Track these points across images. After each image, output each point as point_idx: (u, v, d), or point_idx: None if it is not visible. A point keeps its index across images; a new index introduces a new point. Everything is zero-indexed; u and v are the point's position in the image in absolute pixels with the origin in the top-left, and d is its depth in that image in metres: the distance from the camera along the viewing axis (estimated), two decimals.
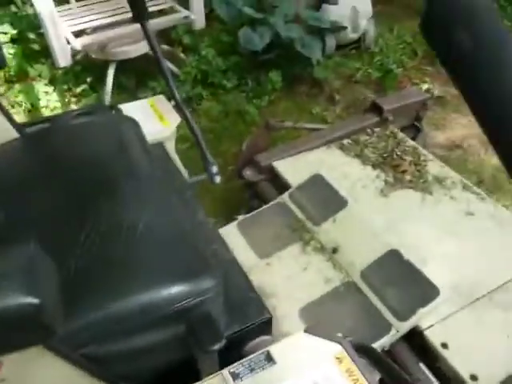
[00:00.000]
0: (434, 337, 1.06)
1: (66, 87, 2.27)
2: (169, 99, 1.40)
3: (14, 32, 2.27)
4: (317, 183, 1.42)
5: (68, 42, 1.88)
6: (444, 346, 1.06)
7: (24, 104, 2.18)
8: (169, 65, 2.32)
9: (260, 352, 0.68)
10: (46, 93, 2.23)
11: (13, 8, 2.43)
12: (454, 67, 0.31)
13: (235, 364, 0.66)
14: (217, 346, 0.62)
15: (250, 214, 1.42)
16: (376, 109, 1.73)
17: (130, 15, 2.09)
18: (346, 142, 1.67)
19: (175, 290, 0.60)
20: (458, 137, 2.26)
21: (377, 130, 1.72)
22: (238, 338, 0.69)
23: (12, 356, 0.48)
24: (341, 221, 1.31)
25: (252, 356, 0.67)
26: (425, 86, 2.53)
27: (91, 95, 2.25)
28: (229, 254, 0.82)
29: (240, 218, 1.42)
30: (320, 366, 0.66)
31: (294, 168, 1.54)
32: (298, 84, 2.41)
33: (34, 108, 2.18)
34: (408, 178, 1.53)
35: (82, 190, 0.75)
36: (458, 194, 1.47)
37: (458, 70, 0.31)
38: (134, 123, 0.96)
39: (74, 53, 1.96)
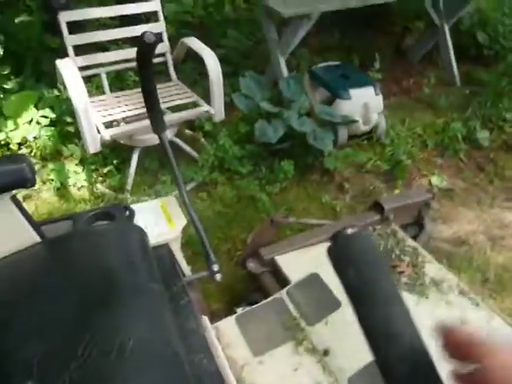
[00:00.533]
0: None
1: (93, 167, 2.46)
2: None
3: (54, 116, 2.52)
4: (313, 282, 1.49)
5: (98, 132, 2.08)
6: None
7: (54, 182, 2.37)
8: (189, 149, 2.51)
9: None
10: (76, 172, 2.42)
11: (55, 92, 2.71)
12: (347, 292, 0.40)
13: None
14: None
15: (249, 308, 1.48)
16: (378, 207, 1.82)
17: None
18: None
19: None
20: (465, 232, 2.31)
21: (378, 227, 1.80)
22: None
23: None
24: (333, 322, 1.36)
25: None
26: (433, 178, 2.62)
27: (116, 176, 2.43)
28: (213, 364, 0.89)
29: (239, 311, 1.49)
30: None
31: (294, 263, 1.62)
32: (310, 173, 2.54)
33: (62, 186, 2.36)
34: (405, 280, 1.58)
35: (85, 302, 0.85)
36: (454, 298, 1.50)
37: (348, 296, 0.40)
38: (141, 232, 1.08)
39: (105, 141, 2.15)
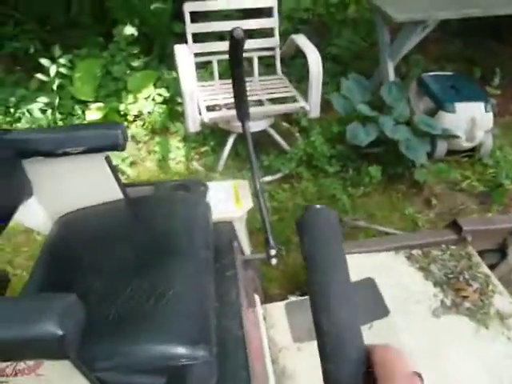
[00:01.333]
0: None
1: (193, 145, 2.69)
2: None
3: (168, 95, 2.79)
4: (367, 286, 1.50)
5: (200, 113, 2.27)
6: None
7: (158, 154, 2.64)
8: (281, 141, 2.61)
9: None
10: (177, 147, 2.67)
11: (173, 73, 2.99)
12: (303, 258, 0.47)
13: None
14: None
15: (300, 299, 1.55)
16: (455, 226, 1.74)
17: (256, 98, 2.44)
18: (415, 252, 1.71)
19: (172, 350, 0.79)
20: None
21: (453, 247, 1.73)
22: None
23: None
24: (377, 328, 1.37)
25: None
26: None
27: (211, 156, 2.63)
28: (240, 332, 0.99)
29: (291, 298, 1.57)
30: None
31: (354, 265, 1.64)
32: (397, 182, 2.49)
33: (163, 158, 2.62)
34: (467, 305, 1.52)
35: (143, 253, 1.00)
36: None
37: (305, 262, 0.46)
38: (207, 207, 1.21)
39: (204, 122, 2.34)
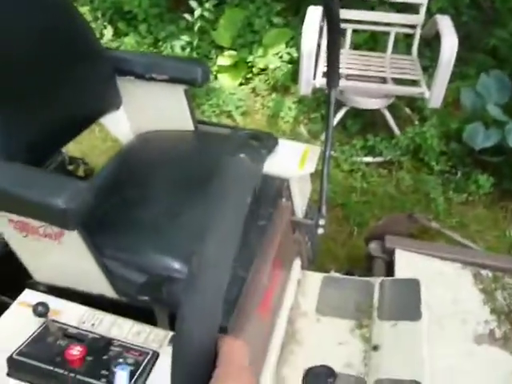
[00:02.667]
0: None
1: (305, 109, 2.72)
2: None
3: (295, 56, 2.83)
4: (410, 286, 1.42)
5: (314, 78, 2.28)
6: None
7: (270, 110, 2.74)
8: (393, 124, 2.49)
9: None
10: (289, 108, 2.72)
11: None
12: None
13: None
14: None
15: (340, 276, 1.54)
16: None
17: (381, 75, 2.35)
18: (485, 272, 1.55)
19: (171, 262, 0.90)
20: None
21: None
22: None
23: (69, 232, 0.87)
24: (401, 329, 1.31)
25: None
26: None
27: (318, 124, 2.64)
28: (245, 274, 1.05)
29: (332, 274, 1.56)
30: None
31: (411, 264, 1.55)
32: (509, 198, 2.22)
33: (274, 115, 2.71)
34: None
35: (187, 180, 1.12)
36: None
37: None
38: (263, 159, 1.26)
39: (316, 88, 2.35)
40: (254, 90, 2.86)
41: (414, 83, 2.38)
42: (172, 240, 0.95)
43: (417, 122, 2.61)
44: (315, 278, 1.53)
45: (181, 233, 0.97)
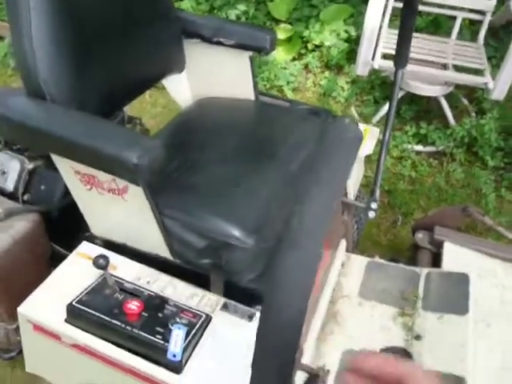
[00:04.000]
0: None
1: (358, 91, 2.64)
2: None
3: (353, 34, 2.74)
4: (458, 280, 1.38)
5: (373, 58, 2.20)
6: None
7: (322, 88, 2.68)
8: (449, 113, 2.39)
9: (249, 309, 0.92)
10: (342, 88, 2.65)
11: None
12: None
13: (232, 301, 0.93)
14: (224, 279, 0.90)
15: (384, 262, 1.51)
16: None
17: (443, 61, 2.25)
18: None
19: (228, 227, 0.90)
20: None
21: None
22: (247, 292, 0.94)
23: (134, 187, 0.87)
24: (446, 322, 1.28)
25: (243, 307, 0.92)
26: None
27: (370, 107, 2.56)
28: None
29: (376, 258, 1.54)
30: None
31: (458, 258, 1.51)
32: None
33: (325, 94, 2.65)
34: None
35: (247, 150, 1.11)
36: None
37: None
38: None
39: (374, 69, 2.27)
40: (306, 66, 2.80)
41: (476, 72, 2.27)
42: (234, 207, 0.94)
43: (473, 114, 2.50)
44: (360, 262, 1.51)
45: (243, 201, 0.96)
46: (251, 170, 1.03)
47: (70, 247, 1.23)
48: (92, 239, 1.07)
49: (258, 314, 0.91)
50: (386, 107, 2.43)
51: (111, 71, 1.06)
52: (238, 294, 0.95)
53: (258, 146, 1.12)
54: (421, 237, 1.64)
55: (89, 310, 0.85)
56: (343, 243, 1.51)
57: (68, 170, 0.94)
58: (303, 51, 2.83)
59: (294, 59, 2.82)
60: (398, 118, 2.52)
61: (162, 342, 0.81)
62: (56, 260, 1.21)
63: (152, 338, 0.81)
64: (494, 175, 2.20)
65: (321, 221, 0.43)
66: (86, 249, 1.02)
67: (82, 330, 0.86)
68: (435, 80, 2.29)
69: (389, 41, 2.36)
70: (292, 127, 1.23)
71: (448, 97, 2.41)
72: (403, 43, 1.38)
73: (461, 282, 1.38)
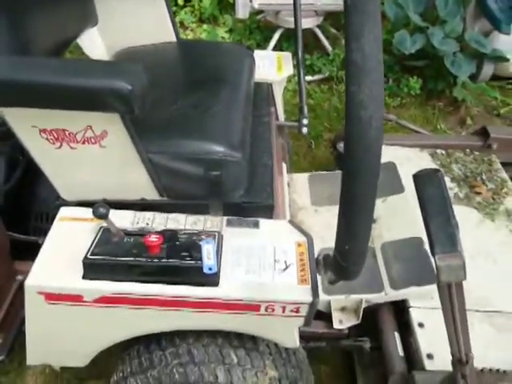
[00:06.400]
0: (416, 316, 1.21)
1: (238, 38, 2.73)
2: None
3: None
4: (387, 168, 1.60)
5: (251, 0, 2.29)
6: (420, 325, 1.20)
7: None
8: (325, 42, 2.61)
9: (252, 219, 0.98)
10: (223, 38, 2.71)
11: None
12: None
13: (233, 217, 0.97)
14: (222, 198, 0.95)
15: (323, 172, 1.67)
16: (484, 134, 1.79)
17: None
18: (439, 151, 1.78)
19: (213, 146, 0.93)
20: None
21: (477, 153, 1.79)
22: (243, 206, 1.00)
23: (115, 127, 0.85)
24: (390, 202, 1.49)
25: (246, 219, 0.98)
26: None
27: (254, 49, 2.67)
28: (270, 162, 1.12)
29: (314, 172, 1.69)
30: (283, 241, 0.93)
31: (382, 154, 1.72)
32: (435, 97, 2.50)
33: None
34: (478, 199, 1.60)
35: (194, 81, 1.13)
36: None
37: None
38: (252, 59, 1.30)
39: (253, 11, 2.37)
40: (182, 23, 2.79)
41: None
42: (214, 128, 0.97)
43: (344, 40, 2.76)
44: (301, 178, 1.64)
45: (219, 121, 0.99)
46: (211, 95, 1.06)
47: (31, 231, 1.15)
48: (65, 206, 1.01)
49: (261, 221, 0.98)
50: (269, 48, 2.56)
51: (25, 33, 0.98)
52: (235, 212, 1.00)
53: (205, 76, 1.15)
54: (341, 146, 1.83)
55: (108, 258, 0.83)
56: (284, 166, 1.62)
57: (31, 130, 0.87)
58: (174, 8, 2.80)
59: None
60: None
61: (194, 261, 0.83)
62: (19, 250, 1.12)
63: (183, 261, 0.83)
64: None
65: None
66: (67, 213, 0.97)
67: (106, 280, 0.84)
68: (307, 13, 2.46)
69: None
70: (222, 58, 1.28)
71: (320, 27, 2.62)
72: None
73: (390, 169, 1.60)
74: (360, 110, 0.51)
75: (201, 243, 0.83)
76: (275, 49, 2.59)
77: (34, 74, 0.74)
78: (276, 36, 2.56)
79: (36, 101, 0.77)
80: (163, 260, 0.83)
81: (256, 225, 0.96)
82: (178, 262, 0.83)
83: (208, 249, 0.82)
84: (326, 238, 1.40)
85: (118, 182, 0.97)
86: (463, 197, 1.61)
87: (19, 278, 1.14)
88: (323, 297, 1.17)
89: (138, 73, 0.77)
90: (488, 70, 2.52)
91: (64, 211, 0.96)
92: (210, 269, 0.82)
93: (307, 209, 1.53)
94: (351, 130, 0.53)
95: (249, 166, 1.01)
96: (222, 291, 0.85)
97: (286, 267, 0.89)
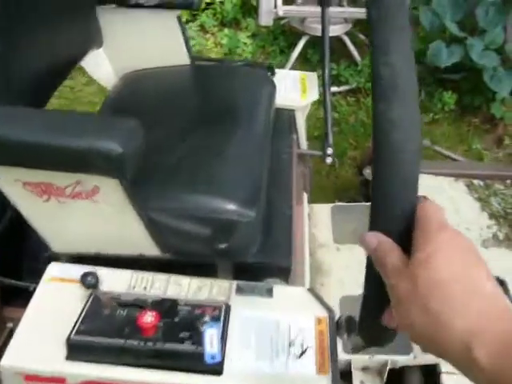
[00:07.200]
0: (447, 382, 1.07)
1: (262, 44, 2.58)
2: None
3: None
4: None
5: (275, 6, 2.14)
6: None
7: (224, 47, 2.56)
8: (354, 51, 2.45)
9: (265, 284, 0.85)
10: (245, 43, 2.57)
11: None
12: None
13: (244, 281, 0.85)
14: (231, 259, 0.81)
15: (348, 204, 1.53)
16: None
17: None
18: (476, 182, 1.62)
19: (223, 204, 0.80)
20: None
21: None
22: (255, 267, 0.87)
23: (108, 184, 0.73)
24: None
25: (258, 283, 0.85)
26: None
27: (278, 57, 2.52)
28: (289, 211, 0.98)
29: (337, 203, 1.55)
30: (300, 315, 0.80)
31: None
32: (471, 114, 2.31)
33: (230, 52, 2.55)
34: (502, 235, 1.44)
35: (205, 116, 0.99)
36: None
37: None
38: (273, 86, 1.16)
39: (277, 17, 2.22)
40: (202, 26, 2.65)
41: None
42: (222, 179, 0.84)
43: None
44: (324, 209, 1.50)
45: (228, 170, 0.86)
46: (224, 133, 0.93)
47: (23, 276, 1.05)
48: (55, 258, 0.91)
49: (275, 288, 0.85)
50: (294, 55, 2.41)
51: (26, 57, 0.87)
52: (246, 273, 0.87)
53: (218, 108, 1.02)
54: (369, 172, 1.68)
55: (94, 339, 0.71)
56: (305, 196, 1.48)
57: (13, 183, 0.76)
58: (195, 12, 2.67)
59: (187, 21, 2.64)
60: (306, 64, 2.52)
61: (194, 346, 0.71)
62: (9, 296, 1.03)
63: (181, 346, 0.71)
64: None
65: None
66: (56, 270, 0.85)
67: (91, 362, 0.73)
68: (335, 19, 2.30)
69: None
70: (239, 86, 1.14)
71: (348, 35, 2.45)
72: None
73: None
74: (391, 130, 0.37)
75: (204, 327, 0.70)
76: (300, 56, 2.44)
77: (11, 130, 0.62)
78: (301, 43, 2.41)
79: (13, 159, 0.66)
80: (159, 343, 0.71)
81: (269, 292, 0.83)
82: (176, 346, 0.71)
83: (212, 335, 0.70)
84: (346, 285, 1.28)
85: (113, 236, 0.86)
86: (503, 238, 1.44)
87: (9, 325, 1.06)
88: (342, 356, 1.04)
89: (133, 131, 0.65)
90: None
91: (52, 269, 0.85)
92: (213, 357, 0.70)
93: (329, 246, 1.39)
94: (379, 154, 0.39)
95: (264, 217, 0.88)
96: (227, 381, 0.72)
97: (303, 352, 0.76)
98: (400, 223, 0.39)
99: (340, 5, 2.35)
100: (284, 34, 2.58)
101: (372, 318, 0.43)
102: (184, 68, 1.17)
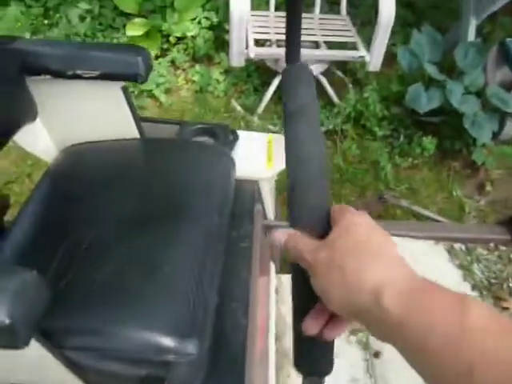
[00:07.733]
0: None
1: (235, 81, 2.47)
2: None
3: (215, 20, 2.53)
4: None
5: (247, 47, 2.03)
6: None
7: (196, 84, 2.44)
8: (331, 91, 2.35)
9: None
10: (217, 81, 2.45)
11: None
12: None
13: None
14: None
15: None
16: (510, 225, 1.52)
17: (312, 39, 2.18)
18: (458, 246, 1.52)
19: (157, 341, 0.67)
20: None
21: (503, 248, 1.53)
22: None
23: None
24: None
25: None
26: None
27: (252, 96, 2.41)
28: (244, 320, 0.85)
29: None
30: None
31: None
32: (451, 158, 2.23)
33: (201, 90, 2.43)
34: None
35: (146, 208, 0.86)
36: None
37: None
38: (231, 163, 1.04)
39: (249, 57, 2.11)
40: (173, 62, 2.53)
41: (349, 46, 2.24)
42: (159, 306, 0.71)
43: (351, 85, 2.50)
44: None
45: (165, 295, 0.73)
46: (162, 236, 0.80)
47: None
48: None
49: None
50: (268, 95, 2.31)
51: None
52: None
53: (160, 199, 0.88)
54: None
55: None
56: (272, 267, 1.36)
57: None
58: (166, 46, 2.56)
59: (157, 57, 2.52)
60: (280, 105, 2.41)
61: None
62: None
63: None
64: (384, 144, 2.23)
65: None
66: None
67: None
68: (311, 60, 2.21)
69: (257, 24, 2.21)
70: (192, 167, 1.01)
71: (324, 73, 2.36)
72: (292, 34, 1.22)
73: None
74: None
75: None
76: (274, 95, 2.33)
77: None
78: (275, 82, 2.30)
79: None
80: None
81: None
82: None
83: None
84: None
85: (32, 372, 0.71)
86: None
87: None
88: None
89: (24, 292, 0.51)
90: (510, 129, 2.25)
91: None
92: None
93: None
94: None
95: (211, 336, 0.75)
96: None
97: None
98: (310, 219, 0.42)
99: (315, 47, 2.25)
100: (257, 71, 2.48)
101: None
102: (131, 143, 1.04)
